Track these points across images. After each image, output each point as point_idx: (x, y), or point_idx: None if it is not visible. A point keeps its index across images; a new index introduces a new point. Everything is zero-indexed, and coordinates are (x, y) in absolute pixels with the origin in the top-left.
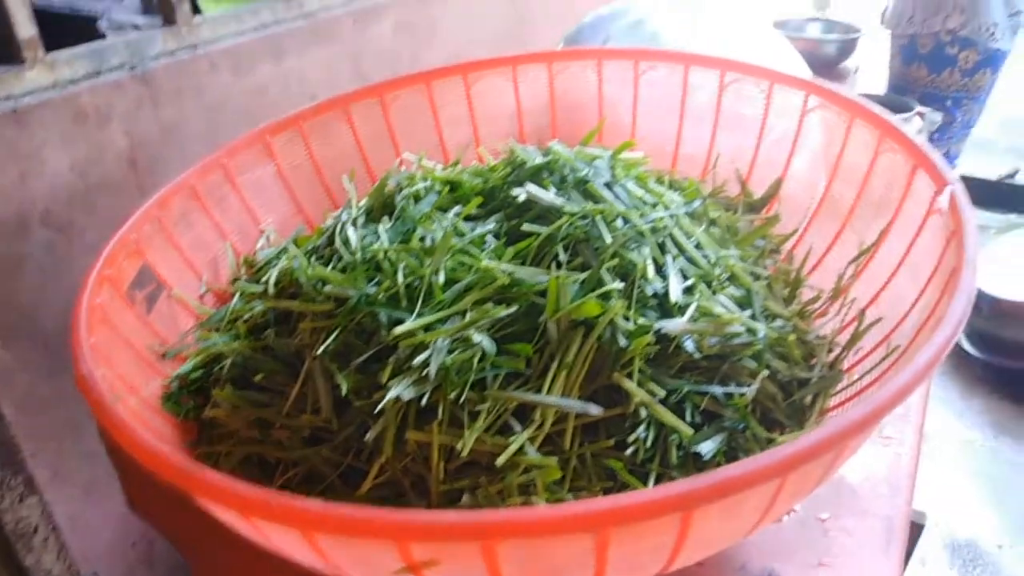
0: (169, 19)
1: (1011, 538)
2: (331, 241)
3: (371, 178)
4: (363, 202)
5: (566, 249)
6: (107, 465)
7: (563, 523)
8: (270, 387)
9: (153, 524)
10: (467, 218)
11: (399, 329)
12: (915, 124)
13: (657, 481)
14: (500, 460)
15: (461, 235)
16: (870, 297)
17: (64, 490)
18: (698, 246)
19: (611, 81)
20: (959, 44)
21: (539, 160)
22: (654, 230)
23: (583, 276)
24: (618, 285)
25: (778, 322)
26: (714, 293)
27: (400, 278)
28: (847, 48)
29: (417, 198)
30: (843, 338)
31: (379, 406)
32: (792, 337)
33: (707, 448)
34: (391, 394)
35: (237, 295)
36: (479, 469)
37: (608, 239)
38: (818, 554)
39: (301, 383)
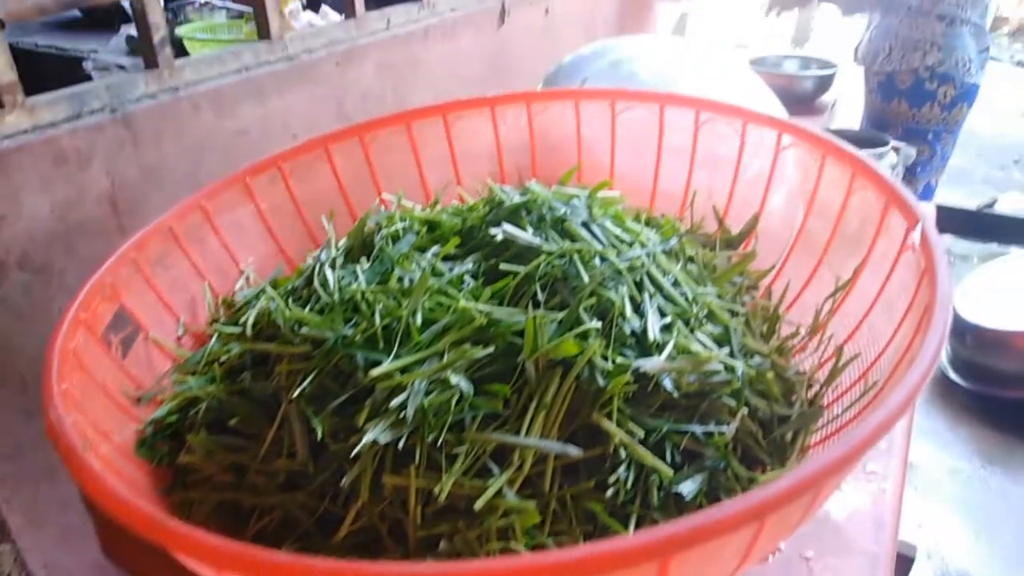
0: (151, 63)
1: (1004, 570)
2: (309, 282)
3: (353, 217)
4: (342, 242)
5: (544, 288)
6: (83, 511)
7: (537, 573)
8: (246, 431)
9: (129, 572)
10: (445, 258)
11: (376, 371)
12: (890, 159)
13: (638, 523)
14: (478, 504)
15: (439, 275)
16: (847, 333)
17: (38, 537)
18: (675, 284)
19: (589, 121)
20: (938, 80)
21: (517, 199)
22: (631, 268)
23: (561, 315)
24: (596, 324)
25: (756, 359)
26: (692, 331)
27: (378, 319)
28: (824, 83)
29: (396, 238)
30: (822, 374)
31: (355, 450)
32: (771, 374)
33: (688, 489)
34: (367, 438)
35: (214, 337)
36: (457, 514)
37: (586, 278)
38: None
39: (277, 427)
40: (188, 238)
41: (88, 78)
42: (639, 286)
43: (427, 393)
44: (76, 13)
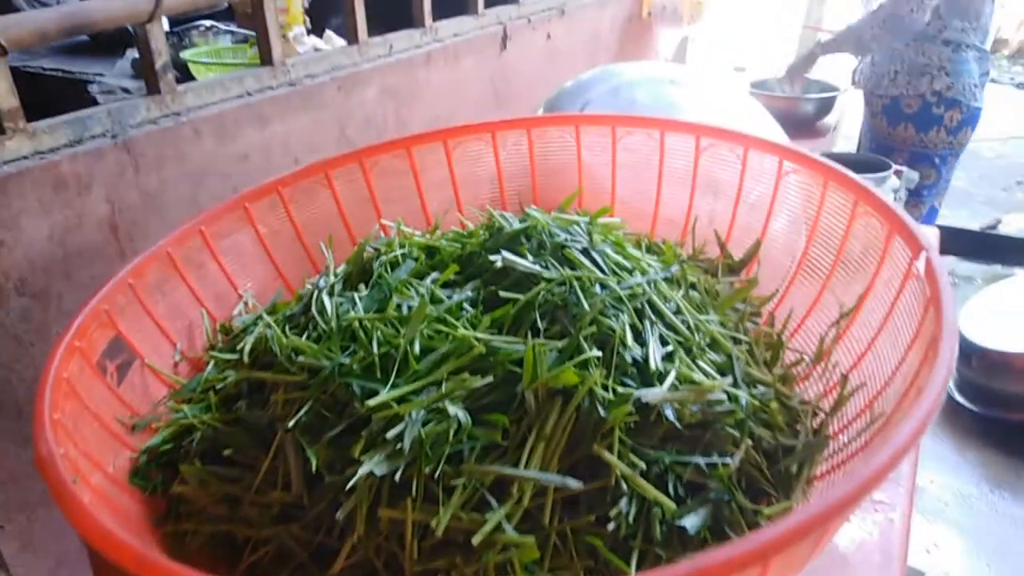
0: (153, 88)
1: None
2: (307, 309)
3: (353, 242)
4: (341, 268)
5: (543, 316)
6: (78, 539)
7: None
8: (240, 461)
9: None
10: (444, 284)
11: (372, 401)
12: (892, 183)
13: (640, 559)
14: (476, 539)
15: (438, 302)
16: (852, 361)
17: (33, 564)
18: (677, 311)
19: (589, 146)
20: (945, 104)
21: (517, 226)
22: (632, 296)
23: (561, 344)
24: (596, 353)
25: (760, 388)
26: (694, 359)
27: (375, 348)
28: (825, 106)
29: (395, 265)
30: (827, 402)
31: (351, 482)
32: (775, 404)
33: (692, 523)
34: (363, 469)
35: (211, 364)
36: (455, 548)
37: (586, 306)
38: None
39: (271, 457)
40: (186, 263)
41: (94, 101)
42: (640, 314)
43: (424, 423)
44: (83, 37)
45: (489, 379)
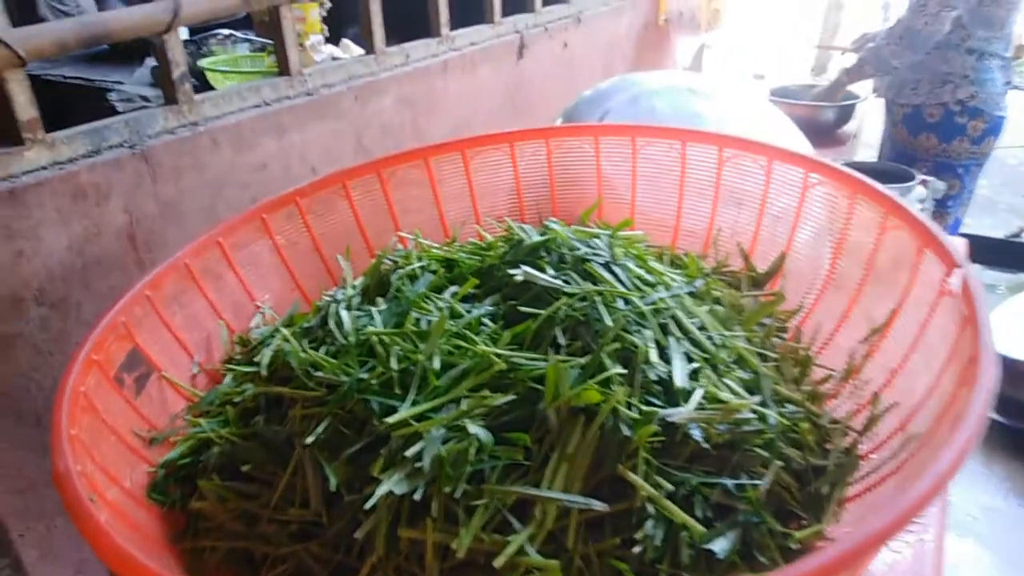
0: (171, 98)
1: None
2: (325, 322)
3: (370, 252)
4: (358, 281)
5: (565, 332)
6: None
7: None
8: (258, 477)
9: None
10: (463, 298)
11: (391, 419)
12: (918, 193)
13: None
14: (499, 562)
15: (457, 317)
16: (884, 379)
17: (52, 571)
18: (702, 327)
19: (609, 157)
20: (968, 114)
21: (536, 238)
22: (656, 311)
23: (583, 361)
24: (620, 370)
25: (789, 407)
26: (721, 377)
27: (394, 363)
28: (846, 114)
29: (413, 278)
30: (857, 420)
31: (371, 501)
32: (806, 424)
33: (721, 547)
34: (382, 489)
35: (228, 376)
36: (476, 569)
37: (608, 322)
38: None
39: (290, 473)
40: (204, 275)
41: (113, 109)
42: (664, 330)
43: (444, 441)
44: (102, 45)
45: (510, 397)
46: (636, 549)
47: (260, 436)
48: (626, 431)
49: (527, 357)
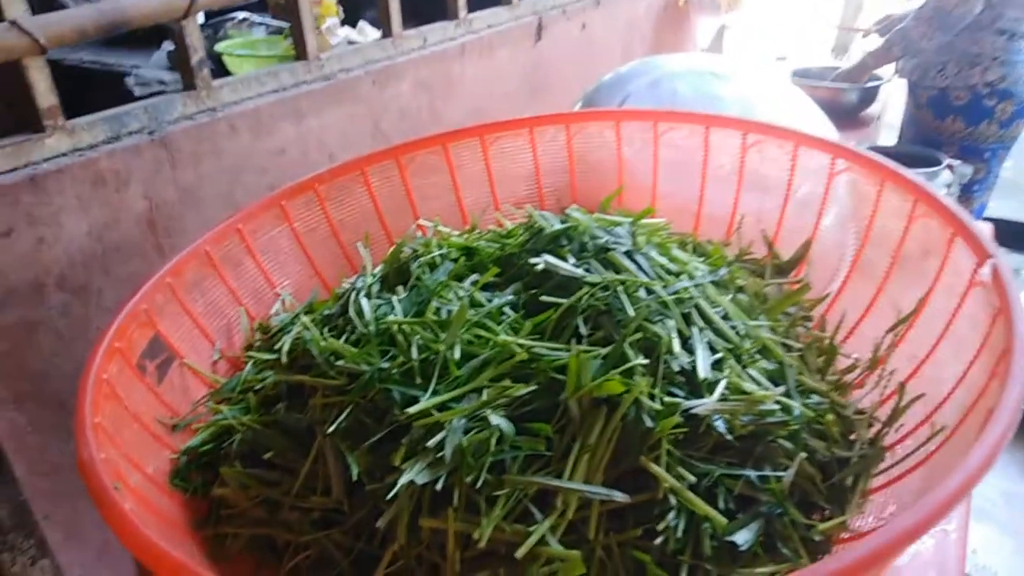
0: (189, 84)
1: None
2: (345, 310)
3: (388, 238)
4: (378, 269)
5: (587, 322)
6: None
7: None
8: (280, 464)
9: None
10: (484, 287)
11: (413, 409)
12: (944, 178)
13: (689, 575)
14: (520, 552)
15: (478, 306)
16: (910, 370)
17: (77, 552)
18: (725, 317)
19: (630, 142)
20: (997, 96)
21: (557, 227)
22: (679, 301)
23: (605, 351)
24: (642, 361)
25: (814, 397)
26: (744, 367)
27: (415, 353)
28: (869, 96)
29: (433, 266)
30: (882, 412)
31: (393, 491)
32: (830, 416)
33: (743, 539)
34: (404, 479)
35: (249, 364)
36: (498, 559)
37: (631, 311)
38: None
39: (311, 462)
40: (224, 262)
41: (130, 93)
42: (687, 320)
43: (466, 432)
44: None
45: (532, 387)
46: (658, 540)
47: (281, 424)
48: (649, 422)
49: (548, 347)
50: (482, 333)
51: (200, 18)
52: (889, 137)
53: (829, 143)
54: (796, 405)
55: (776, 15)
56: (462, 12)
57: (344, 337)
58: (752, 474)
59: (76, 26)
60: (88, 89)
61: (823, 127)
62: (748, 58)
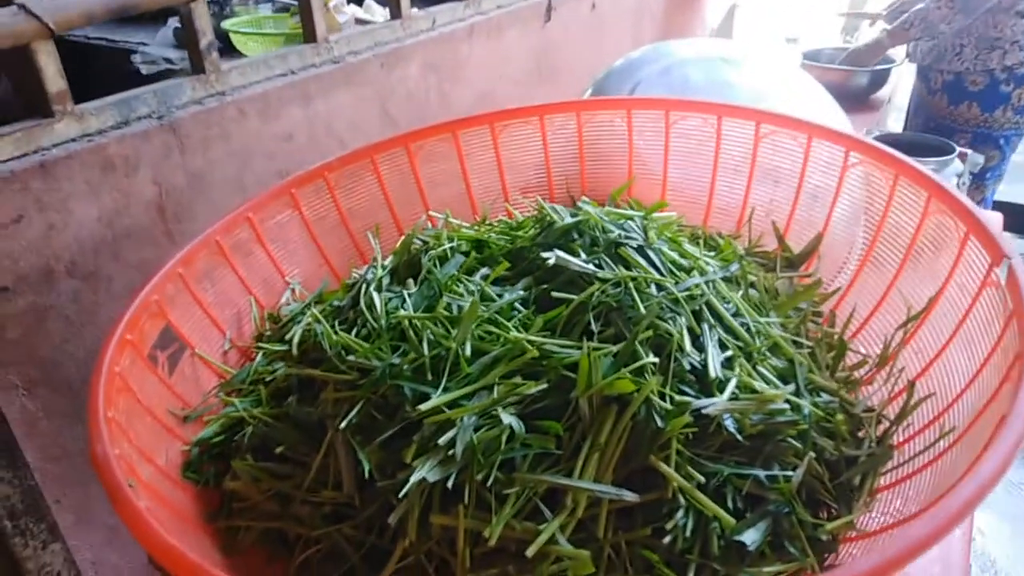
0: (198, 67)
1: None
2: (355, 303)
3: (397, 227)
4: (388, 260)
5: (597, 318)
6: None
7: None
8: (292, 457)
9: None
10: (495, 281)
11: (424, 406)
12: (955, 167)
13: (697, 574)
14: (531, 551)
15: (489, 301)
16: (920, 368)
17: (87, 535)
18: (736, 313)
19: (641, 131)
20: (1015, 81)
21: (568, 220)
22: (690, 298)
23: (616, 348)
24: (653, 359)
25: (823, 396)
26: (755, 366)
27: (426, 349)
28: (879, 79)
29: (443, 259)
30: (891, 409)
31: (404, 489)
32: (840, 416)
33: (751, 538)
34: (415, 476)
35: (260, 355)
36: (507, 557)
37: (642, 309)
38: None
39: (323, 455)
40: (235, 251)
41: (137, 72)
42: (698, 317)
43: (476, 429)
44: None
45: (542, 385)
46: (666, 539)
47: (293, 417)
48: (659, 422)
49: (559, 344)
50: (493, 329)
51: None
52: (898, 120)
53: (843, 135)
54: (806, 404)
55: None
56: None
57: (355, 331)
58: (761, 473)
59: (85, 10)
60: (93, 67)
61: (834, 115)
62: (759, 41)
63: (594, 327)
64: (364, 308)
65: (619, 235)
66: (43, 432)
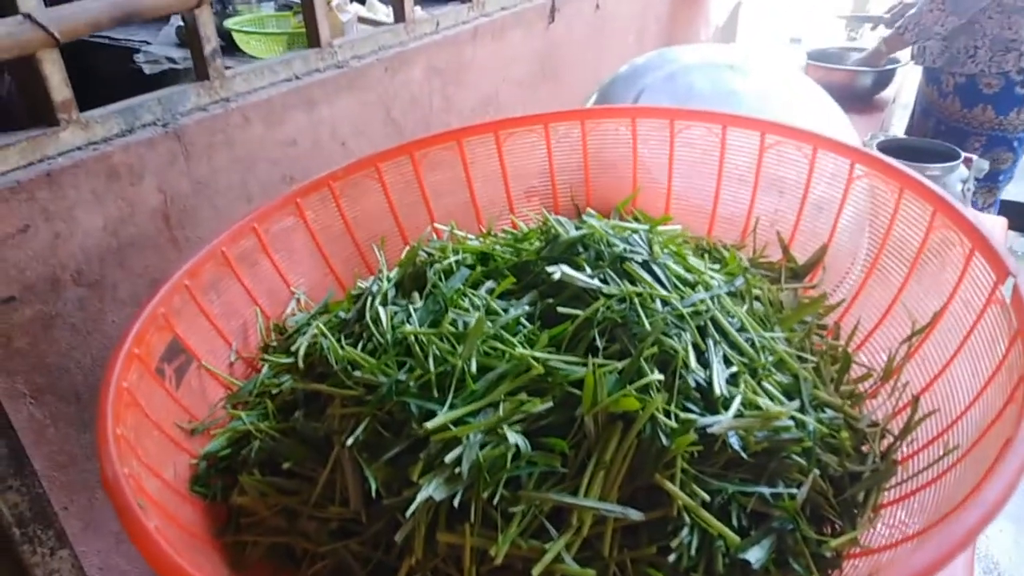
0: (202, 74)
1: None
2: (362, 315)
3: (402, 235)
4: (393, 273)
5: (602, 334)
6: None
7: None
8: (299, 472)
9: None
10: (500, 295)
11: (431, 424)
12: (961, 173)
13: None
14: (536, 570)
15: (494, 315)
16: (924, 383)
17: (95, 541)
18: (741, 328)
19: (646, 139)
20: None
21: (574, 233)
22: (695, 313)
23: (621, 365)
24: (658, 376)
25: (828, 411)
26: (759, 382)
27: (431, 365)
28: (884, 79)
29: (448, 273)
30: (896, 423)
31: (411, 508)
32: (845, 433)
33: (756, 556)
34: (422, 495)
35: (266, 367)
36: (513, 575)
37: (647, 325)
38: None
39: (329, 471)
40: (240, 262)
41: (139, 71)
42: (703, 332)
43: (482, 446)
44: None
45: (548, 404)
46: (671, 557)
47: (299, 432)
48: (664, 440)
49: (565, 360)
50: (498, 345)
51: None
52: (903, 119)
53: (848, 147)
54: (810, 421)
55: None
56: None
57: (361, 345)
58: (766, 491)
59: (90, 19)
60: (94, 64)
61: (840, 123)
62: (763, 43)
63: (599, 343)
64: (370, 322)
65: (624, 249)
66: (50, 440)
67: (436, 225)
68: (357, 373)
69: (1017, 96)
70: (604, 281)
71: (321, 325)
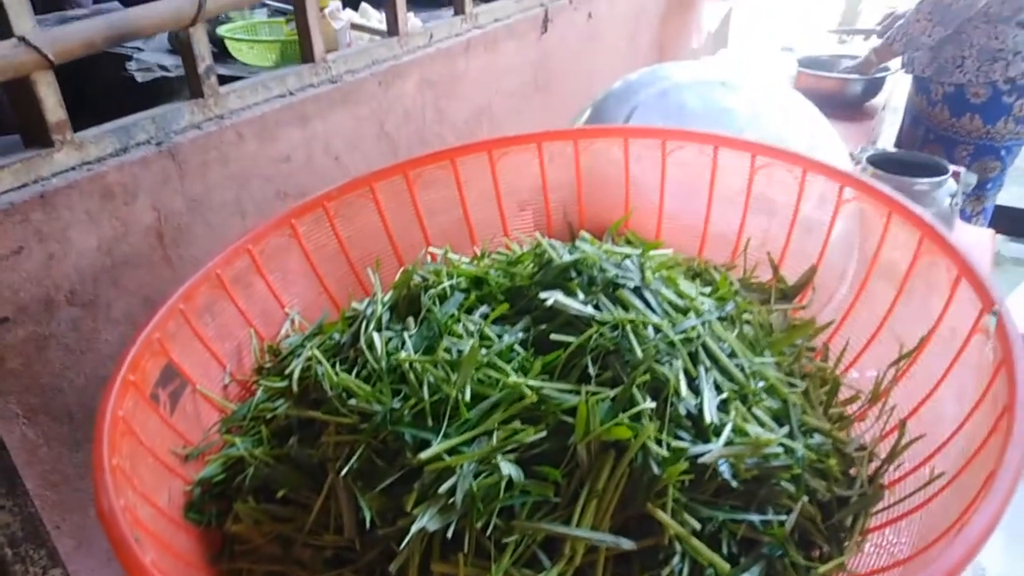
0: (196, 91)
1: None
2: (356, 340)
3: (397, 255)
4: (388, 296)
5: (595, 361)
6: None
7: None
8: (293, 499)
9: None
10: (494, 320)
11: (424, 454)
12: (948, 187)
13: None
14: None
15: (488, 341)
16: (911, 407)
17: (87, 560)
18: (732, 354)
19: (638, 159)
20: (1017, 92)
21: (567, 258)
22: (686, 340)
23: (613, 393)
24: (650, 404)
25: (816, 436)
26: (749, 408)
27: (426, 393)
28: (874, 87)
29: (443, 298)
30: (883, 446)
31: (405, 539)
32: (833, 460)
33: None
34: (416, 526)
35: (260, 391)
36: None
37: (639, 353)
38: None
39: (324, 498)
40: (235, 283)
41: (131, 79)
42: (694, 359)
43: (476, 476)
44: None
45: (542, 433)
46: None
47: (294, 459)
48: (656, 469)
49: (558, 389)
50: (492, 373)
51: None
52: (893, 126)
53: (838, 171)
54: (799, 448)
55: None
56: (469, 5)
57: (355, 371)
58: (755, 518)
59: (85, 40)
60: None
61: (830, 141)
62: (755, 51)
63: (592, 370)
64: (364, 348)
65: (616, 275)
66: (43, 459)
67: (431, 250)
68: (352, 401)
69: (1004, 105)
70: (597, 307)
71: (316, 350)
